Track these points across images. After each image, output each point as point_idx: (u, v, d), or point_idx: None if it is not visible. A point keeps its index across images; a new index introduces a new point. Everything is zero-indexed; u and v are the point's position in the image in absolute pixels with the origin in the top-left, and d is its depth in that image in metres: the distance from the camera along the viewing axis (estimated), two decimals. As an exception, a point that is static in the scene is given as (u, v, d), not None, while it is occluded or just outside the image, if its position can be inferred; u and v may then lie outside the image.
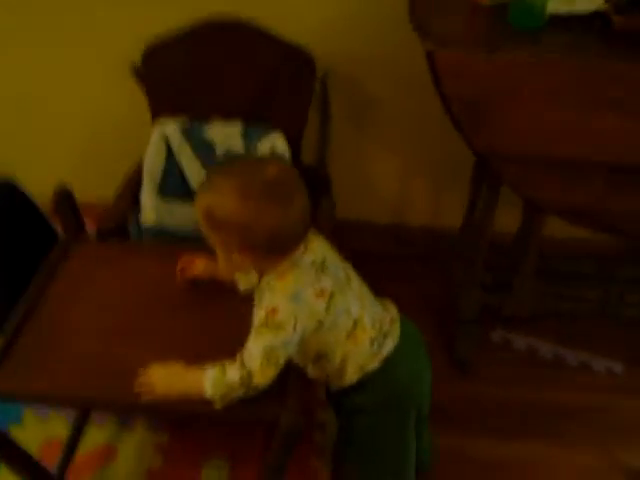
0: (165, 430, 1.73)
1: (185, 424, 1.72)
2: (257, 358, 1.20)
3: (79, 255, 1.56)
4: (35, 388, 1.28)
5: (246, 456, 1.68)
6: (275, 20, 1.81)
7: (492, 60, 1.47)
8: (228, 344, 1.31)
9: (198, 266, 1.46)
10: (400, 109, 2.05)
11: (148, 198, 1.74)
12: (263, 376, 1.21)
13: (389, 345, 1.34)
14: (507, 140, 1.56)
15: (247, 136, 1.81)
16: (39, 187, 1.94)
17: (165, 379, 1.25)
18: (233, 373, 1.21)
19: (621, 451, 1.78)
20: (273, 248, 1.23)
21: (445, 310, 2.09)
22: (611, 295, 1.98)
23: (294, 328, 1.21)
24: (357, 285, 1.34)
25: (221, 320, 1.41)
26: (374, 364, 1.33)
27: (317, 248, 1.29)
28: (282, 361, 1.22)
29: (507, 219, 1.99)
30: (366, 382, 1.34)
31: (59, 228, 1.79)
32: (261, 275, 1.30)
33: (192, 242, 1.76)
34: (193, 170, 1.79)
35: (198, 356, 1.28)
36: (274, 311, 1.21)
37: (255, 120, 1.85)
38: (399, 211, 2.28)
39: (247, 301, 1.39)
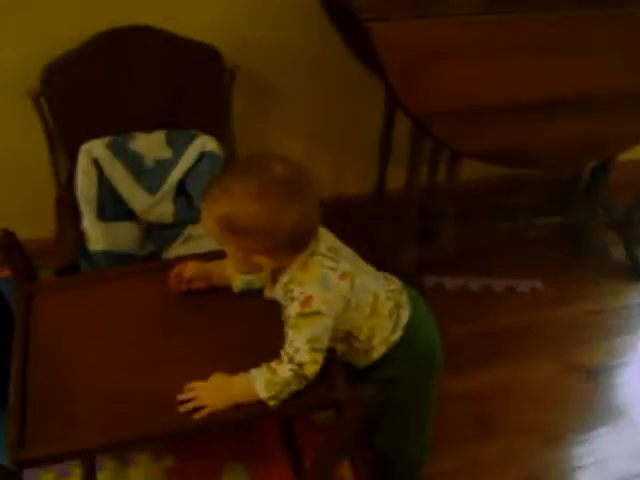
0: (169, 452, 1.67)
1: (187, 440, 1.68)
2: (304, 349, 1.22)
3: (48, 298, 1.44)
4: (77, 443, 1.18)
5: (264, 456, 1.68)
6: (171, 22, 1.77)
7: (419, 27, 1.58)
8: (251, 345, 1.32)
9: (191, 268, 1.42)
10: (298, 92, 2.11)
11: (92, 225, 1.65)
12: (313, 364, 1.23)
13: (405, 314, 1.39)
14: (438, 99, 1.68)
15: (173, 143, 1.78)
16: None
17: (213, 393, 1.23)
18: (284, 370, 1.22)
19: (573, 353, 2.02)
20: (295, 245, 1.24)
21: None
22: (519, 223, 2.20)
23: (329, 312, 1.24)
24: (363, 264, 1.39)
25: (232, 323, 1.38)
26: (396, 335, 1.38)
27: (325, 234, 1.32)
28: (325, 346, 1.25)
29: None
30: (391, 354, 1.39)
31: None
32: (277, 272, 1.30)
33: (144, 261, 1.74)
34: (127, 186, 1.74)
35: (229, 364, 1.27)
36: (309, 300, 1.23)
37: (173, 126, 1.81)
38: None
39: (248, 299, 1.41)
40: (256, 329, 1.37)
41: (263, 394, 1.22)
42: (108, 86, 1.75)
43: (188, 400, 1.22)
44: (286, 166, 1.23)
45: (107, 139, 1.72)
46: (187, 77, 1.80)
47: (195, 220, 1.84)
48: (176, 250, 1.80)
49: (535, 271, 2.24)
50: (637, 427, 1.86)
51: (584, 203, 2.27)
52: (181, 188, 1.80)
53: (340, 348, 1.38)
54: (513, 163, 1.93)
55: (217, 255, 1.39)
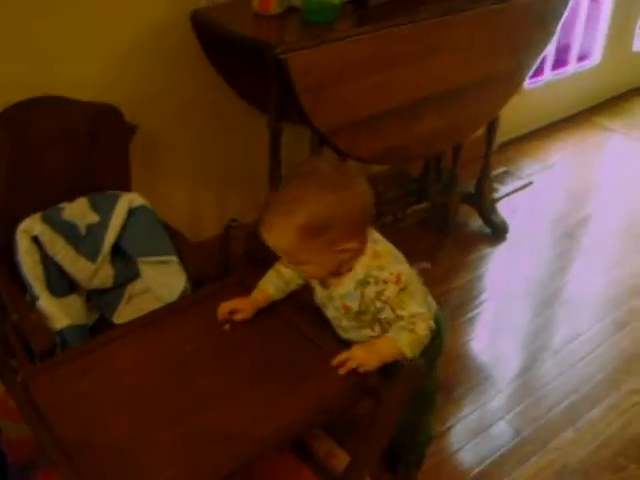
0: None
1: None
2: (423, 310, 1.37)
3: (45, 381, 1.37)
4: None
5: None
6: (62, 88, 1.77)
7: (318, 54, 1.74)
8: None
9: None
10: (178, 136, 2.17)
11: (49, 303, 1.59)
12: (431, 320, 1.38)
13: (434, 304, 1.52)
14: (339, 114, 1.87)
15: (98, 208, 1.77)
16: None
17: (366, 354, 1.35)
18: (423, 327, 1.36)
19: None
20: (367, 220, 1.37)
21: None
22: (398, 214, 2.44)
23: (416, 278, 1.41)
24: None
25: (235, 351, 1.46)
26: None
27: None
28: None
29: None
30: None
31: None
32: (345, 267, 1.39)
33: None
34: (69, 257, 1.69)
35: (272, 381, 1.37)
36: (400, 276, 1.36)
37: (89, 190, 1.79)
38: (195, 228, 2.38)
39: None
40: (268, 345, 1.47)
41: (409, 353, 1.34)
42: (19, 163, 1.69)
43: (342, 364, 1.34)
44: (328, 160, 1.41)
45: (40, 215, 1.66)
46: (94, 139, 1.79)
47: (133, 278, 1.84)
48: (125, 312, 1.78)
49: (420, 254, 2.50)
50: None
51: (442, 185, 2.59)
52: (114, 249, 1.78)
53: (377, 331, 1.46)
54: (398, 160, 2.16)
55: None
